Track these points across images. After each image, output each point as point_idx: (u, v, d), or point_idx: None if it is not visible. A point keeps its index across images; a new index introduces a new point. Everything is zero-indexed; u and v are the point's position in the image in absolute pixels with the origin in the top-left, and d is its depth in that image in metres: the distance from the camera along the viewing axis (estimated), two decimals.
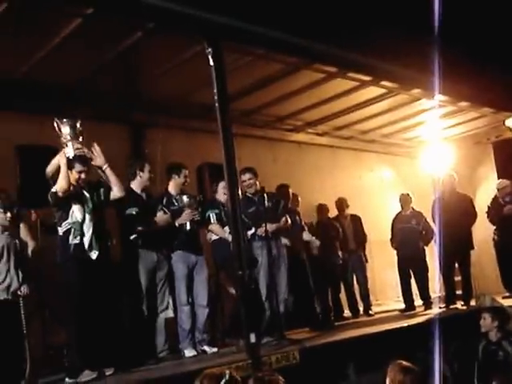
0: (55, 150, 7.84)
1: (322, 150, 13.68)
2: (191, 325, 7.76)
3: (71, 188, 6.64)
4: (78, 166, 6.74)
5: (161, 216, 7.73)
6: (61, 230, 6.66)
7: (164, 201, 7.98)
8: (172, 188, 8.10)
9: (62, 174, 6.56)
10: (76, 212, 6.64)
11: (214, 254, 8.45)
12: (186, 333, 7.72)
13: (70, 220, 6.62)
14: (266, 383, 3.95)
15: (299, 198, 10.79)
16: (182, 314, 7.77)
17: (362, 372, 7.39)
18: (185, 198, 7.90)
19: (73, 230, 6.59)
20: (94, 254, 6.61)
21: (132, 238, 7.49)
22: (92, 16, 7.18)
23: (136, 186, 7.80)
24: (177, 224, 7.82)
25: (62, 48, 7.83)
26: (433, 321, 8.69)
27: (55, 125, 6.79)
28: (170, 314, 7.76)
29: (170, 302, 7.81)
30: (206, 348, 7.75)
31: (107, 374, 6.49)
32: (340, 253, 11.54)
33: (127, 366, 6.83)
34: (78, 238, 6.58)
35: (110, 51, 8.31)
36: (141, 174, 7.78)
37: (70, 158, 6.73)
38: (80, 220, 6.63)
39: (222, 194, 8.30)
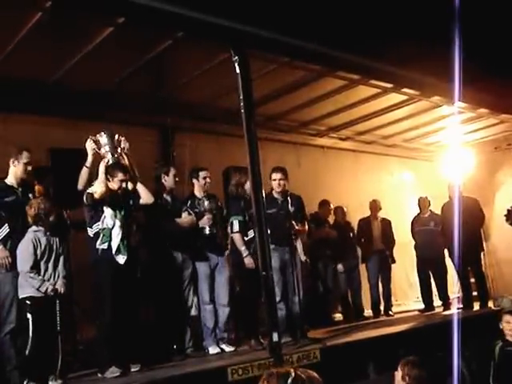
0: (85, 152, 8.16)
1: (345, 154, 13.90)
2: (214, 323, 7.99)
3: (108, 193, 6.88)
4: (120, 175, 6.99)
5: (185, 217, 7.95)
6: (91, 232, 6.90)
7: (189, 203, 8.20)
8: (196, 190, 8.32)
9: (101, 179, 6.84)
10: (107, 217, 6.85)
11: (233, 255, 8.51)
12: (210, 331, 7.94)
13: (100, 225, 6.84)
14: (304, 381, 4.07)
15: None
16: (205, 312, 7.99)
17: (382, 371, 7.45)
18: (206, 203, 8.12)
19: (101, 235, 6.82)
20: (121, 259, 6.81)
21: (158, 239, 7.73)
22: (124, 25, 7.41)
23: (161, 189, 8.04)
24: (200, 225, 8.05)
25: (95, 55, 8.06)
26: (451, 321, 8.79)
27: (93, 138, 7.08)
28: (194, 312, 7.95)
29: (195, 300, 8.01)
30: (224, 347, 7.95)
31: (133, 370, 6.70)
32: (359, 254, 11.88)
33: (154, 363, 7.01)
34: (106, 244, 6.80)
35: (141, 58, 8.54)
36: (166, 178, 8.02)
37: (111, 166, 7.02)
38: (110, 226, 6.84)
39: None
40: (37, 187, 7.76)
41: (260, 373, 6.42)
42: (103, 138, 7.05)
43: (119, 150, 7.16)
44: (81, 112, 9.33)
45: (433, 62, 8.90)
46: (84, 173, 7.02)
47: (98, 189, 6.79)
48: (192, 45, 8.20)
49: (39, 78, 8.76)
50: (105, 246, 6.80)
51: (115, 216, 6.87)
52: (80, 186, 7.02)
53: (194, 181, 8.31)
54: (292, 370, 3.95)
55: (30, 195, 6.95)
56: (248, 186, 8.02)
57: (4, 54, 7.83)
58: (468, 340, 7.85)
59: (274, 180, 8.38)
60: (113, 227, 6.84)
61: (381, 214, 12.34)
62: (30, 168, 6.92)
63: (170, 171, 8.07)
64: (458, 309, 10.95)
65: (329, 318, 11.12)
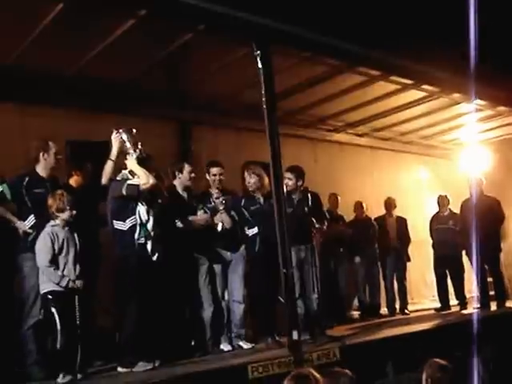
0: (104, 145, 8.11)
1: (362, 151, 13.84)
2: (227, 320, 7.95)
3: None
4: (149, 169, 6.95)
5: (200, 215, 7.87)
6: (124, 226, 6.76)
7: (204, 199, 8.11)
8: (210, 187, 8.22)
9: (143, 171, 6.78)
10: (142, 212, 6.79)
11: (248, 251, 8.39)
12: (223, 328, 7.92)
13: (137, 219, 6.76)
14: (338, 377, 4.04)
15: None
16: (218, 309, 7.94)
17: (401, 370, 7.49)
18: (218, 201, 8.02)
19: (138, 229, 6.74)
20: (155, 256, 6.78)
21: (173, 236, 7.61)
22: (145, 17, 7.35)
23: (177, 185, 7.99)
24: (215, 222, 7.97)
25: (115, 47, 8.02)
26: (469, 321, 8.74)
27: (117, 135, 7.01)
28: (209, 309, 7.87)
29: (210, 297, 7.92)
30: (241, 343, 7.91)
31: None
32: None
33: (173, 359, 6.98)
34: (143, 239, 6.74)
35: (161, 51, 8.49)
36: (180, 175, 7.94)
37: (147, 161, 7.02)
38: (145, 221, 6.78)
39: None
40: (75, 177, 7.76)
41: (280, 371, 6.43)
42: (123, 134, 6.97)
43: (139, 146, 7.06)
44: (99, 105, 9.31)
45: (453, 59, 8.84)
46: (108, 166, 7.00)
47: (145, 180, 6.72)
48: (212, 39, 8.15)
49: (57, 69, 8.73)
50: (142, 240, 6.75)
51: (148, 211, 6.83)
52: (104, 180, 6.99)
53: (206, 176, 8.21)
54: (312, 371, 3.92)
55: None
56: (253, 181, 8.15)
57: (23, 45, 7.80)
58: (485, 340, 7.81)
59: (290, 179, 8.33)
60: (147, 222, 6.79)
61: (396, 212, 12.23)
62: (60, 157, 6.87)
63: (184, 168, 7.97)
64: (475, 308, 10.85)
65: (344, 315, 11.04)
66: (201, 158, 9.43)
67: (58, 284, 6.21)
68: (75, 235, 6.53)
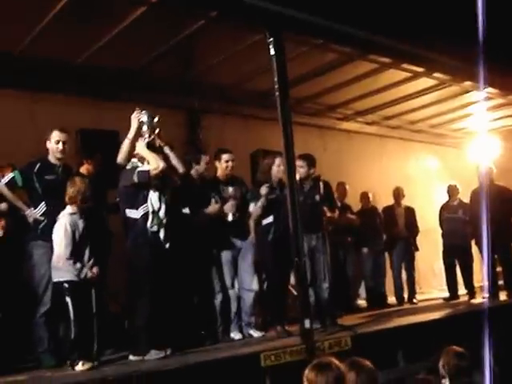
0: (114, 133, 8.09)
1: (371, 139, 13.79)
2: (237, 308, 7.90)
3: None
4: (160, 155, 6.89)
5: (212, 206, 7.76)
6: (137, 214, 6.69)
7: (214, 188, 7.99)
8: (219, 174, 8.10)
9: (152, 155, 6.72)
10: (154, 199, 6.71)
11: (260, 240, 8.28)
12: (233, 316, 7.88)
13: (149, 207, 6.68)
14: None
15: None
16: (228, 297, 7.89)
17: (411, 360, 7.45)
18: (230, 189, 7.97)
19: (151, 217, 6.67)
20: (167, 244, 6.73)
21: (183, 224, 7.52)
22: (157, 4, 7.31)
23: (193, 174, 7.93)
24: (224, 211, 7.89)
25: (125, 35, 7.99)
26: (479, 311, 8.70)
27: (137, 114, 6.90)
28: (219, 298, 7.84)
29: (219, 285, 7.89)
30: (252, 332, 7.89)
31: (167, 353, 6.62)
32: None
33: (184, 348, 6.92)
34: (156, 226, 6.67)
35: (171, 38, 8.45)
36: (197, 167, 7.88)
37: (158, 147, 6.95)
38: (157, 208, 6.70)
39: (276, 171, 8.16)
40: (86, 166, 7.74)
41: (292, 359, 6.41)
42: (143, 116, 6.92)
43: (156, 132, 7.00)
44: (108, 93, 9.28)
45: (464, 46, 8.77)
46: (125, 145, 6.88)
47: (155, 165, 6.64)
48: (222, 26, 8.12)
49: (68, 57, 8.72)
50: (155, 228, 6.69)
51: (160, 199, 6.76)
52: (120, 159, 6.88)
53: (217, 163, 8.09)
54: (333, 359, 3.89)
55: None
56: (274, 170, 8.00)
57: (34, 33, 7.79)
58: (495, 329, 7.78)
59: (301, 167, 8.20)
60: (159, 210, 6.73)
61: (405, 201, 12.17)
62: (60, 147, 6.81)
63: (202, 159, 7.94)
64: (484, 298, 10.81)
65: (352, 304, 11.03)
66: (209, 146, 9.39)
67: (77, 276, 6.18)
68: (93, 223, 6.50)
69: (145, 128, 6.87)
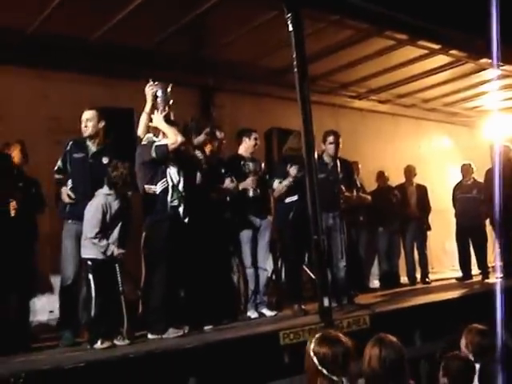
0: (129, 111, 8.01)
1: (384, 118, 13.71)
2: (255, 287, 7.86)
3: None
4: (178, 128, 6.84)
5: (228, 184, 7.71)
6: (158, 189, 6.63)
7: (233, 165, 7.97)
8: (243, 151, 8.10)
9: (171, 129, 6.67)
10: (173, 173, 6.65)
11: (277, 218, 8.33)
12: (251, 295, 7.86)
13: (169, 181, 6.63)
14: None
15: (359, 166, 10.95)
16: (247, 276, 7.89)
17: (428, 339, 7.43)
18: (251, 164, 7.96)
19: (171, 191, 6.61)
20: (186, 218, 6.67)
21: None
22: None
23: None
24: (240, 188, 7.83)
25: (138, 12, 7.90)
26: (493, 290, 8.62)
27: (150, 87, 6.86)
28: (236, 276, 7.89)
29: (236, 264, 7.96)
30: (264, 311, 7.85)
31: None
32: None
33: (201, 326, 6.91)
34: (176, 201, 6.61)
35: (185, 16, 8.36)
36: (198, 137, 7.67)
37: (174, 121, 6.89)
38: (176, 182, 6.64)
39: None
40: None
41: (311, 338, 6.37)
42: (157, 89, 6.85)
43: (170, 103, 6.93)
44: (121, 71, 9.21)
45: (480, 24, 8.64)
46: (143, 119, 6.85)
47: (173, 139, 6.59)
48: (237, 2, 8.00)
49: (80, 35, 8.65)
50: (175, 202, 6.62)
51: (179, 172, 6.70)
52: (139, 132, 6.86)
53: (245, 140, 8.07)
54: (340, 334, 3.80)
55: (105, 159, 6.76)
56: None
57: (47, 10, 7.71)
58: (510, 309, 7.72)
59: (331, 143, 8.20)
60: (178, 183, 6.67)
61: (418, 180, 12.09)
62: (83, 126, 6.74)
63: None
64: (498, 278, 10.74)
65: (364, 284, 10.99)
66: (221, 125, 9.31)
67: (103, 253, 6.17)
68: (125, 204, 6.48)
69: (159, 100, 6.81)
